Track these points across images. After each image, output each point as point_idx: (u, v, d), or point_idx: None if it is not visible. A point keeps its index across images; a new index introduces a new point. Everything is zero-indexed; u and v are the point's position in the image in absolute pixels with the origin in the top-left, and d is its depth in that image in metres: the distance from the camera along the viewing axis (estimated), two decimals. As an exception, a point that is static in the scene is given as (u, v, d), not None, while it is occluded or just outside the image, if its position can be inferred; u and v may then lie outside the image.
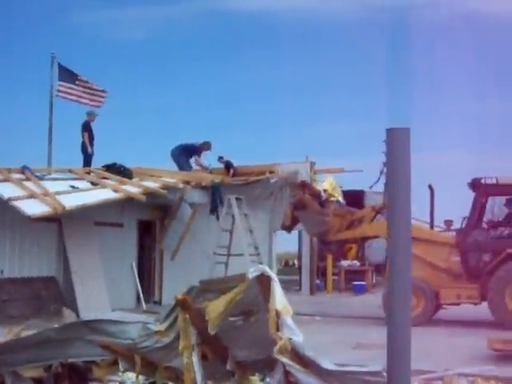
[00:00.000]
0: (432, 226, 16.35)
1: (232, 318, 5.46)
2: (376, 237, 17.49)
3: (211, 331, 5.25)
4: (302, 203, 17.24)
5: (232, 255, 17.67)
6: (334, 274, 26.88)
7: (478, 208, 15.42)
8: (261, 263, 15.22)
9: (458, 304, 15.51)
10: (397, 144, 6.07)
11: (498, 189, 15.36)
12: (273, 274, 4.89)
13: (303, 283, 24.93)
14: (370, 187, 21.03)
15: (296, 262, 35.21)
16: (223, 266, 17.49)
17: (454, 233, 16.38)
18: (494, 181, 15.14)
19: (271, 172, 23.09)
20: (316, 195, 17.70)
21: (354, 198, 26.46)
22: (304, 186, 17.44)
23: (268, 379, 6.04)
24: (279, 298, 4.82)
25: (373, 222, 17.32)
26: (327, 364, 4.64)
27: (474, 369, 8.38)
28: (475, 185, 15.33)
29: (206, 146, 21.47)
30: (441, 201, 16.42)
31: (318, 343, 11.09)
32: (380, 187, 19.30)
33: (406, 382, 6.03)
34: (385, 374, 4.51)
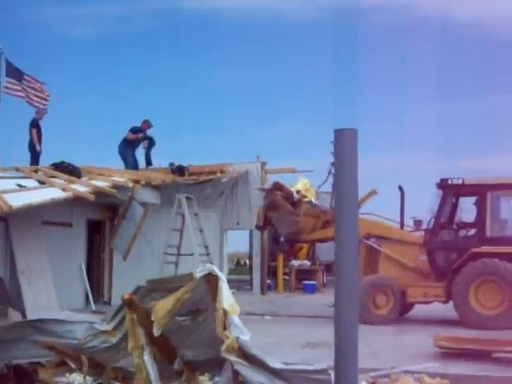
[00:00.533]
0: (402, 226, 16.50)
1: (180, 318, 5.44)
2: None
3: (156, 331, 5.21)
4: (274, 204, 17.21)
5: (182, 255, 17.60)
6: (284, 274, 26.97)
7: (445, 208, 15.66)
8: (211, 263, 15.15)
9: (425, 303, 15.68)
10: (345, 144, 6.13)
11: (465, 189, 15.54)
12: (220, 274, 4.90)
13: (254, 283, 24.96)
14: (319, 187, 21.25)
15: (248, 261, 35.25)
16: (173, 266, 17.42)
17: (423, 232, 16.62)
18: (460, 181, 15.36)
19: (222, 172, 23.14)
20: (288, 196, 17.59)
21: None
22: (278, 187, 17.60)
23: (217, 379, 6.04)
24: (227, 297, 4.82)
25: None
26: (274, 363, 4.67)
27: (419, 366, 8.51)
28: (443, 185, 15.57)
29: (146, 125, 21.34)
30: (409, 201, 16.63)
31: (267, 342, 11.16)
32: (329, 187, 19.45)
33: (353, 379, 6.10)
34: (330, 371, 4.56)
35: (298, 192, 17.88)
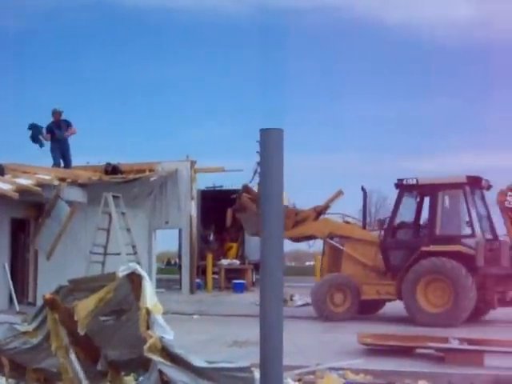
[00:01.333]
0: (364, 226, 16.72)
1: (103, 318, 5.39)
2: (312, 236, 18.01)
3: (81, 331, 5.15)
4: (241, 206, 17.88)
5: (109, 254, 17.36)
6: (214, 273, 26.96)
7: (400, 207, 15.83)
8: (138, 262, 15.06)
9: (378, 300, 15.94)
10: (270, 144, 6.17)
11: (418, 189, 15.75)
12: (144, 273, 4.86)
13: (183, 282, 24.84)
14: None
15: (178, 260, 35.07)
16: (100, 266, 17.16)
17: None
18: (414, 181, 15.58)
19: (151, 170, 22.94)
20: (256, 199, 17.72)
21: (234, 198, 26.67)
22: (246, 190, 18.18)
23: (142, 379, 6.00)
24: (150, 297, 4.79)
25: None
26: (197, 361, 4.67)
27: (344, 363, 8.65)
28: (398, 185, 15.78)
29: (58, 115, 20.92)
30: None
31: (195, 341, 11.14)
32: (255, 187, 19.54)
33: (279, 377, 6.15)
34: (254, 369, 4.60)
35: None
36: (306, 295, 22.16)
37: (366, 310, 15.99)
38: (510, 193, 14.98)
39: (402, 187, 15.74)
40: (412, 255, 15.03)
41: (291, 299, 19.98)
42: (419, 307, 14.58)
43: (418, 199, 16.07)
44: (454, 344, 9.35)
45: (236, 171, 23.78)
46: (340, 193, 18.39)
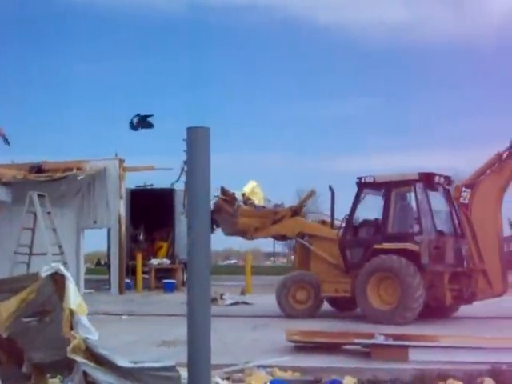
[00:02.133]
0: (332, 225, 16.55)
1: (26, 319, 5.28)
2: (284, 236, 18.21)
3: (3, 333, 5.04)
4: (217, 208, 18.06)
5: (34, 254, 17.00)
6: (144, 273, 26.73)
7: (358, 205, 15.76)
8: (65, 263, 14.81)
9: (336, 298, 16.03)
10: (197, 143, 6.16)
11: (375, 186, 15.67)
12: (67, 273, 4.79)
13: (112, 282, 24.55)
14: (172, 185, 21.38)
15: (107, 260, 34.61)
16: (25, 266, 16.78)
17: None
18: (371, 179, 15.54)
19: (79, 169, 22.57)
20: (230, 199, 18.56)
21: (164, 197, 26.54)
22: (222, 192, 18.57)
23: (67, 380, 5.90)
24: (74, 297, 4.72)
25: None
26: (122, 362, 4.63)
27: (272, 360, 8.70)
28: (358, 183, 15.75)
29: None
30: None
31: (123, 342, 11.02)
32: (182, 185, 19.65)
33: (206, 375, 6.15)
34: (179, 368, 4.59)
35: (243, 195, 19.04)
36: (236, 294, 22.27)
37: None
38: (464, 189, 14.82)
39: (360, 185, 15.70)
40: (366, 253, 15.08)
41: (221, 298, 19.99)
42: (369, 305, 14.58)
43: (375, 197, 15.98)
44: (380, 340, 9.53)
45: (165, 170, 23.63)
46: (312, 193, 18.78)
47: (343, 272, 15.61)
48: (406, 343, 9.37)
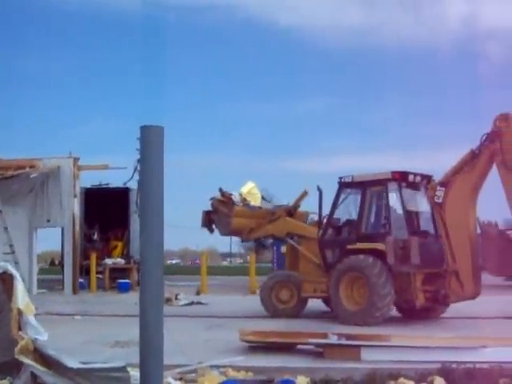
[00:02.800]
0: (320, 225, 16.32)
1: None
2: (274, 236, 18.44)
3: None
4: (214, 208, 18.46)
5: (-16, 254, 16.67)
6: (98, 273, 26.45)
7: (337, 205, 15.64)
8: (16, 262, 14.58)
9: (316, 297, 15.95)
10: (150, 142, 6.12)
11: (353, 186, 15.50)
12: (15, 272, 4.71)
13: (66, 282, 24.24)
14: (125, 184, 21.31)
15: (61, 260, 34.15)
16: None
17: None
18: (350, 179, 15.42)
19: (32, 167, 22.23)
20: (226, 200, 18.89)
21: (119, 196, 26.32)
22: (221, 193, 19.08)
23: (15, 381, 5.80)
24: (22, 297, 4.64)
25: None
26: (71, 362, 4.58)
27: (225, 360, 8.69)
28: (338, 183, 15.61)
29: None
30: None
31: (75, 342, 10.91)
32: (135, 184, 19.70)
33: (159, 376, 6.11)
34: (129, 368, 4.56)
35: (240, 195, 19.42)
36: (191, 294, 22.19)
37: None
38: (439, 188, 14.44)
39: (340, 185, 15.55)
40: (341, 253, 15.00)
41: (176, 298, 19.90)
42: (341, 305, 14.51)
43: (356, 196, 15.74)
44: (333, 339, 9.59)
45: (120, 169, 23.43)
46: (305, 193, 18.96)
47: (324, 272, 15.45)
48: (358, 343, 9.46)
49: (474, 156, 13.98)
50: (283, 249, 17.48)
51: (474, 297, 14.31)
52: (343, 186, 15.51)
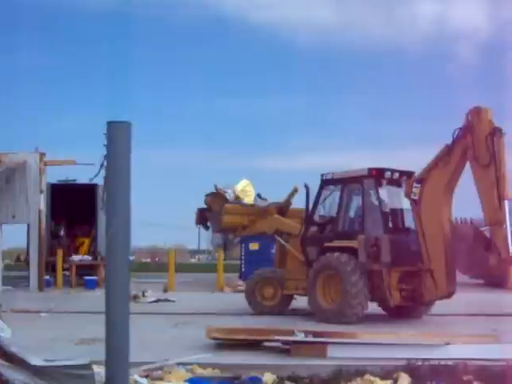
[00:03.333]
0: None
1: None
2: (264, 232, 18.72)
3: None
4: (207, 204, 19.55)
5: None
6: (65, 269, 26.20)
7: (318, 203, 15.48)
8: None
9: (298, 294, 15.82)
10: (117, 137, 6.07)
11: (333, 183, 15.33)
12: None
13: (31, 279, 23.95)
14: (91, 180, 21.18)
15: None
16: None
17: None
18: (330, 176, 15.27)
19: (-4, 162, 21.95)
20: (218, 198, 19.66)
21: (86, 192, 26.11)
22: (216, 189, 19.97)
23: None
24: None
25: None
26: (35, 360, 4.53)
27: (192, 357, 8.67)
28: (320, 180, 15.44)
29: None
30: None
31: (40, 340, 10.80)
32: (101, 180, 19.63)
33: (124, 373, 6.07)
34: (94, 366, 4.53)
35: (234, 192, 20.23)
36: (159, 291, 22.09)
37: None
38: (415, 184, 14.11)
39: (322, 182, 15.41)
40: (319, 251, 14.85)
41: (143, 295, 19.80)
42: (317, 303, 14.42)
43: (334, 194, 15.58)
44: (299, 337, 9.62)
45: (88, 165, 23.20)
46: (295, 190, 18.93)
47: (306, 269, 15.24)
48: (325, 340, 9.50)
49: (447, 151, 13.73)
50: (251, 246, 17.52)
51: (448, 296, 14.03)
52: (324, 183, 15.38)
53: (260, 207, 19.43)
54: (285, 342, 9.67)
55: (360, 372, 7.92)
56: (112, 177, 6.12)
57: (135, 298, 18.85)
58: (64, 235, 28.34)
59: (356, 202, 15.14)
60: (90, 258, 26.94)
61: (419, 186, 14.02)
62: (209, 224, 21.83)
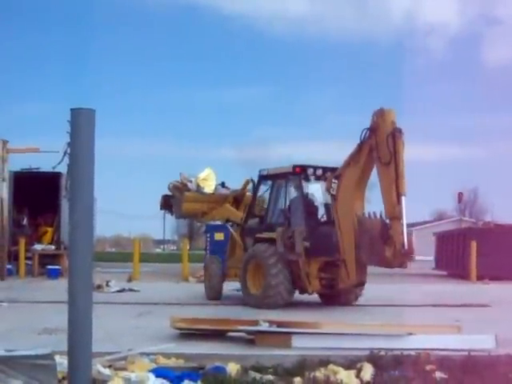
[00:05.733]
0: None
1: None
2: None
3: None
4: (171, 191, 20.93)
5: None
6: (27, 258, 25.89)
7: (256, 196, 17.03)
8: None
9: (237, 281, 16.53)
10: (81, 124, 5.98)
11: (268, 178, 16.45)
12: None
13: (-7, 268, 23.63)
14: (54, 168, 20.97)
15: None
16: None
17: None
18: (265, 172, 16.36)
19: (-42, 149, 21.56)
20: (181, 186, 20.87)
21: (49, 180, 25.78)
22: (181, 178, 21.22)
23: None
24: None
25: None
26: (-6, 350, 4.45)
27: (155, 348, 8.61)
28: (258, 176, 16.74)
29: None
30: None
31: (1, 330, 10.64)
32: (65, 168, 19.64)
33: (87, 363, 6.01)
34: (57, 356, 4.45)
35: (196, 181, 21.38)
36: (123, 281, 21.97)
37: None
38: (333, 180, 14.91)
39: (259, 177, 16.59)
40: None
41: (107, 285, 19.65)
42: (246, 289, 15.46)
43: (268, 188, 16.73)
44: (264, 327, 9.63)
45: (52, 153, 22.94)
46: (248, 181, 19.89)
47: None
48: (289, 330, 9.52)
49: (357, 150, 14.48)
50: (216, 236, 18.01)
51: (358, 285, 15.11)
52: (260, 178, 16.55)
53: (218, 196, 20.24)
54: (249, 332, 9.67)
55: (324, 362, 7.94)
56: (75, 164, 6.03)
57: (99, 287, 18.71)
58: (27, 224, 27.99)
59: (282, 196, 16.05)
60: (53, 247, 26.67)
61: (336, 181, 14.88)
62: (173, 209, 23.26)
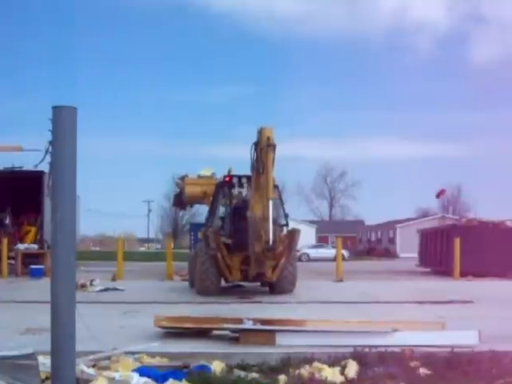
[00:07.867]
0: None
1: None
2: None
3: None
4: (176, 185, 24.01)
5: None
6: (10, 258, 25.72)
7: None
8: None
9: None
10: (63, 122, 5.94)
11: (228, 183, 18.44)
12: None
13: (-25, 268, 23.48)
14: (35, 166, 20.80)
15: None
16: None
17: None
18: (220, 180, 19.05)
19: None
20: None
21: (32, 179, 25.61)
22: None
23: None
24: None
25: None
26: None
27: (140, 347, 8.57)
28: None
29: None
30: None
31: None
32: (46, 167, 19.52)
33: (70, 363, 5.97)
34: (40, 356, 4.40)
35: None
36: (107, 280, 21.86)
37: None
38: (248, 186, 17.46)
39: (216, 185, 19.30)
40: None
41: (91, 284, 19.56)
42: (192, 279, 18.76)
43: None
44: (248, 325, 9.62)
45: (35, 151, 22.74)
46: (230, 169, 20.39)
47: None
48: (274, 328, 9.51)
49: (254, 161, 16.09)
50: (200, 234, 18.86)
51: (258, 275, 17.10)
52: (217, 186, 19.18)
53: (216, 178, 22.14)
54: (233, 330, 9.65)
55: (308, 359, 7.96)
56: (57, 162, 6.00)
57: (83, 286, 18.62)
58: (9, 223, 27.81)
59: (216, 200, 18.71)
60: (36, 246, 26.51)
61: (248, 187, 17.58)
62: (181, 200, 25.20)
